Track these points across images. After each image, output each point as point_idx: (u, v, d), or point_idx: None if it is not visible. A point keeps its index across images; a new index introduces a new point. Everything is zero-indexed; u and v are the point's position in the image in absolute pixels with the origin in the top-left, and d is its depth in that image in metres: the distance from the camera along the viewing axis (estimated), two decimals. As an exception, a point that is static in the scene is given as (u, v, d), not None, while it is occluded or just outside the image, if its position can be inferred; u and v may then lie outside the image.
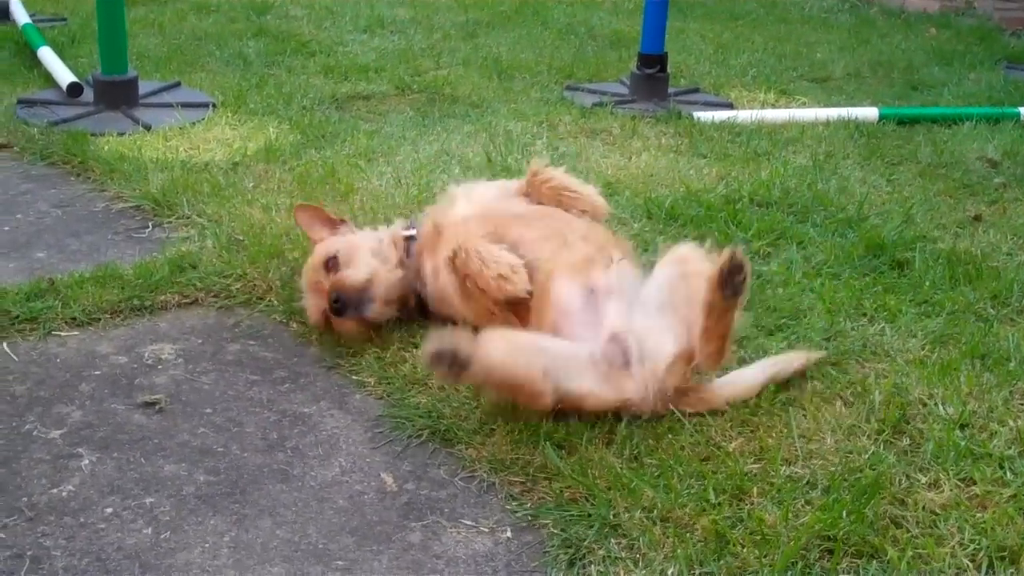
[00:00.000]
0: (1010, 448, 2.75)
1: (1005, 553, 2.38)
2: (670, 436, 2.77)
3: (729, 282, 2.77)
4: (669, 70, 6.32)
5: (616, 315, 2.93)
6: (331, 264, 3.26)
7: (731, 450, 2.73)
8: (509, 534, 2.47)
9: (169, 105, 5.51)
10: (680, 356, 2.86)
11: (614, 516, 2.47)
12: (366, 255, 3.31)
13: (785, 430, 2.82)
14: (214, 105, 5.61)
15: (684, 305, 2.92)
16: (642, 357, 2.85)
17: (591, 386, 2.80)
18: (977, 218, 4.44)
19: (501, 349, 2.70)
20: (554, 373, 2.74)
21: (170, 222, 4.12)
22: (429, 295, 3.29)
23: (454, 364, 2.62)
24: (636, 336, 2.88)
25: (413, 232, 3.41)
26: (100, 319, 3.38)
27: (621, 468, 2.63)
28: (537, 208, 3.38)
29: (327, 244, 3.36)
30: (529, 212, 3.34)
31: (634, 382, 2.83)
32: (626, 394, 2.82)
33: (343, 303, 3.17)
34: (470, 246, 3.02)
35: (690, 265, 3.00)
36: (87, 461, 2.67)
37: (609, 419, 2.82)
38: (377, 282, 3.24)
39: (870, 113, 5.99)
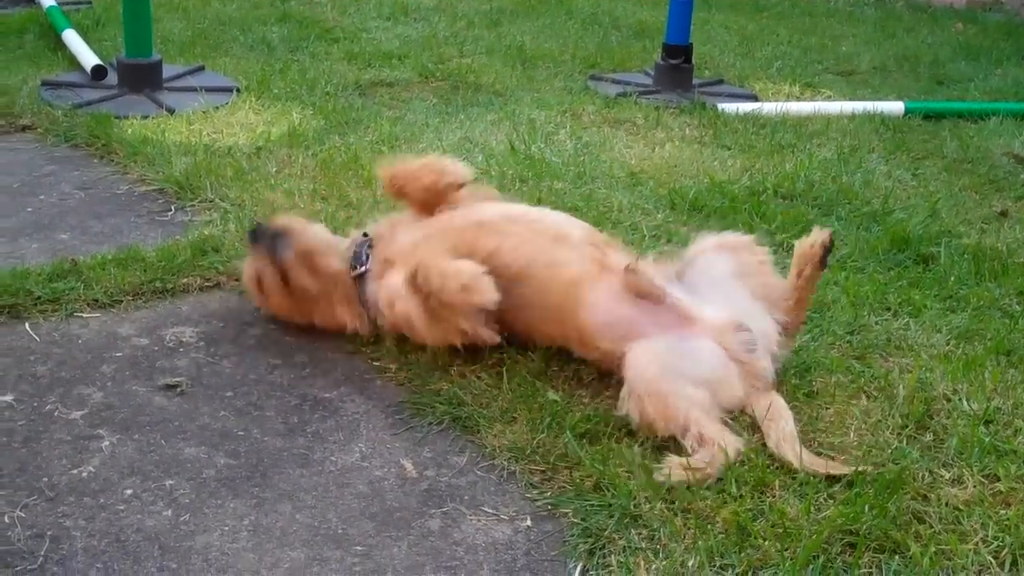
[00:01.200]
0: (1035, 445, 2.73)
1: (1029, 550, 2.36)
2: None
3: (826, 258, 3.00)
4: (694, 61, 6.29)
5: (708, 308, 2.92)
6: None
7: (753, 442, 2.72)
8: (529, 522, 2.46)
9: (193, 89, 5.50)
10: (786, 331, 2.98)
11: (635, 506, 2.46)
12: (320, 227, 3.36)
13: (808, 423, 2.80)
14: (238, 90, 5.61)
15: (760, 287, 3.02)
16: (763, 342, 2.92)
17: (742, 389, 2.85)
18: (1003, 214, 4.41)
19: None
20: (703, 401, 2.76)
21: (193, 205, 4.12)
22: (387, 327, 3.15)
23: None
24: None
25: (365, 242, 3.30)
26: (122, 301, 3.38)
27: (643, 458, 2.62)
28: (488, 211, 3.22)
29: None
30: (488, 218, 3.15)
31: (767, 364, 2.89)
32: (763, 378, 2.88)
33: (260, 231, 3.19)
34: (429, 263, 2.92)
35: (748, 254, 3.08)
36: (108, 443, 2.67)
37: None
38: (304, 235, 3.21)
39: (896, 107, 5.95)
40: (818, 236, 3.01)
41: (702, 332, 2.85)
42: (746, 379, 2.83)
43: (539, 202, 4.14)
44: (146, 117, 5.09)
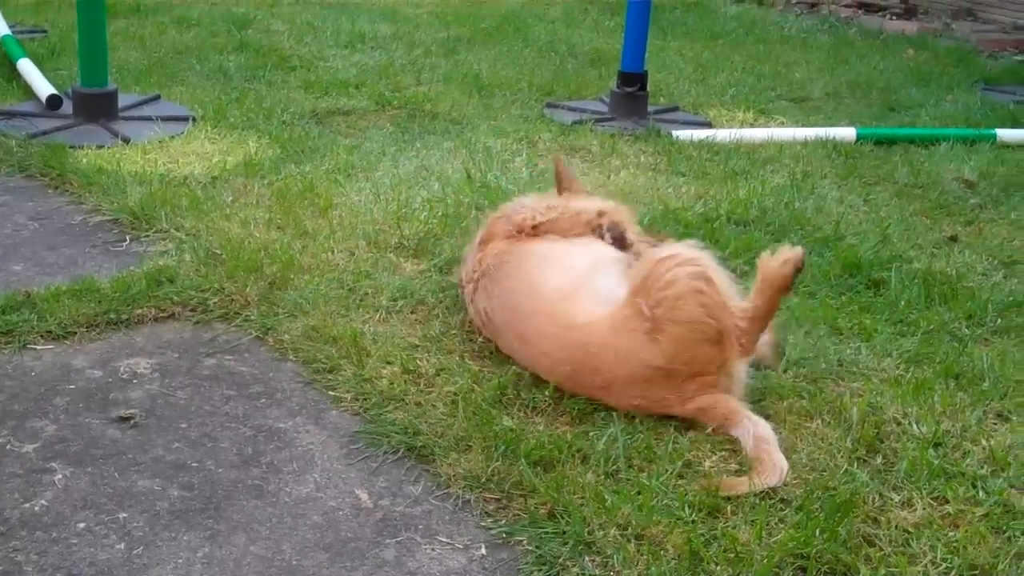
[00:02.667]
0: (983, 467, 2.77)
1: (977, 572, 2.40)
2: (646, 453, 2.78)
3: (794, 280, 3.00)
4: (649, 89, 6.34)
5: None
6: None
7: (707, 468, 2.74)
8: (483, 551, 2.47)
9: (149, 118, 5.49)
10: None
11: (589, 533, 2.47)
12: None
13: (760, 448, 2.83)
14: (194, 119, 5.61)
15: None
16: None
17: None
18: (953, 238, 4.47)
19: None
20: None
21: (148, 236, 4.11)
22: None
23: None
24: None
25: None
26: (76, 333, 3.37)
27: (597, 485, 2.64)
28: None
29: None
30: None
31: None
32: None
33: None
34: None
35: None
36: (60, 476, 2.66)
37: (588, 437, 2.83)
38: None
39: (848, 133, 6.03)
40: (788, 254, 2.96)
41: None
42: None
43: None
44: (101, 147, 5.08)
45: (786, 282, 2.96)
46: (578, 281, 3.14)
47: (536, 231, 3.44)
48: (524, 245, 3.37)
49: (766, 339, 3.15)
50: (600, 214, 3.51)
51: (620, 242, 3.41)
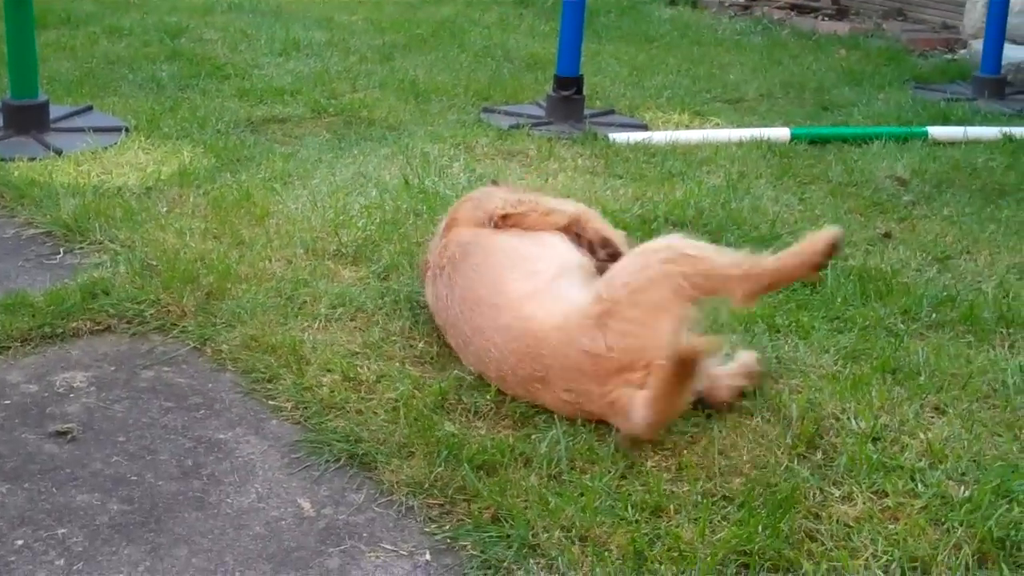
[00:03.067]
0: (921, 460, 2.81)
1: (917, 564, 2.43)
2: (588, 455, 2.78)
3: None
4: (585, 92, 6.37)
5: None
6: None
7: (649, 467, 2.75)
8: (428, 557, 2.47)
9: (81, 129, 5.42)
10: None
11: (533, 536, 2.47)
12: None
13: (702, 447, 2.85)
14: (127, 129, 5.55)
15: None
16: None
17: None
18: (887, 235, 4.52)
19: None
20: None
21: (82, 248, 4.06)
22: None
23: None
24: None
25: None
26: (10, 347, 3.32)
27: (540, 488, 2.64)
28: None
29: None
30: None
31: None
32: None
33: None
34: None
35: None
36: (-4, 492, 2.63)
37: (531, 440, 2.83)
38: None
39: (782, 133, 6.08)
40: (828, 234, 3.05)
41: None
42: None
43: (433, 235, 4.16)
44: (33, 159, 5.01)
45: (816, 258, 3.03)
46: (543, 285, 3.15)
47: (504, 222, 3.45)
48: (492, 238, 3.37)
49: (737, 376, 3.14)
50: (576, 221, 3.53)
51: (613, 258, 3.40)
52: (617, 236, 3.56)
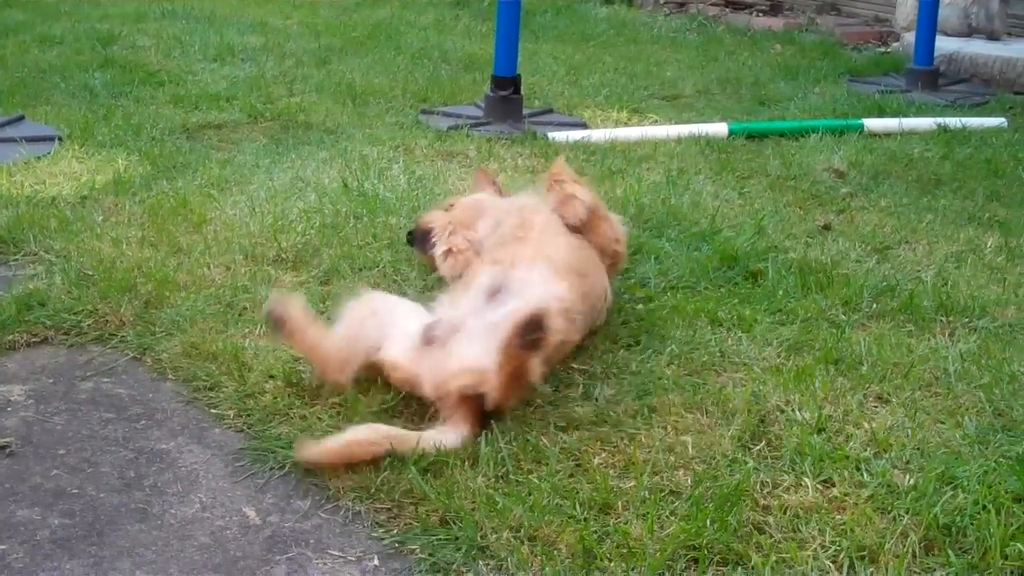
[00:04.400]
0: (866, 450, 2.82)
1: (865, 553, 2.43)
2: (535, 455, 2.77)
3: (525, 336, 2.77)
4: (523, 92, 6.36)
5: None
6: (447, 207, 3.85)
7: (596, 464, 2.75)
8: (376, 562, 2.44)
9: (13, 140, 5.34)
10: (473, 372, 2.86)
11: (482, 537, 2.46)
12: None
13: (647, 442, 2.85)
14: (60, 138, 5.47)
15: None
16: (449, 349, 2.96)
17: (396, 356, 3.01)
18: (826, 227, 4.56)
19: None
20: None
21: (16, 260, 3.99)
22: None
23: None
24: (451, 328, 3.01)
25: None
26: (-56, 362, 3.26)
27: (487, 488, 2.62)
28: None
29: (469, 198, 3.88)
30: None
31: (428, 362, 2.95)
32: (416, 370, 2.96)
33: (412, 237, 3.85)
34: None
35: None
36: (-67, 510, 2.57)
37: (476, 441, 2.82)
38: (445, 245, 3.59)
39: (720, 129, 6.11)
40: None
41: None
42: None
43: (374, 239, 4.14)
44: (-36, 171, 4.93)
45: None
46: None
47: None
48: None
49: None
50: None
51: None
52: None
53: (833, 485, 2.68)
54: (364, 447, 2.71)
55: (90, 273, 3.75)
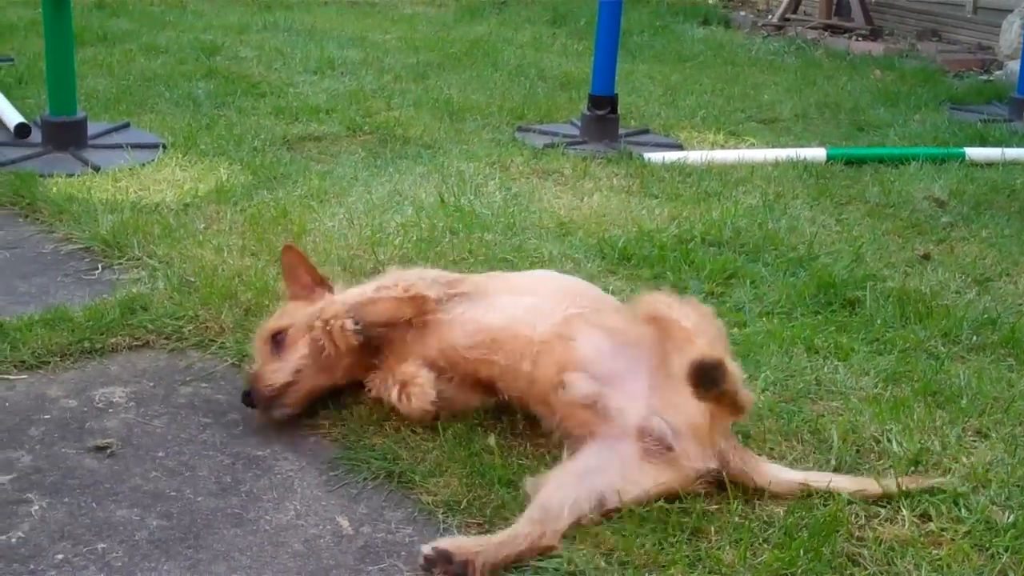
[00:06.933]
0: (964, 485, 2.77)
1: (962, 590, 2.40)
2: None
3: (704, 379, 2.56)
4: (619, 111, 6.37)
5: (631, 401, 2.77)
6: (278, 339, 3.08)
7: (688, 489, 2.73)
8: (467, 577, 2.45)
9: (119, 146, 5.47)
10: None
11: (569, 563, 2.45)
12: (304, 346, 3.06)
13: (741, 469, 2.82)
14: (164, 146, 5.58)
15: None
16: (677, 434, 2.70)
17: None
18: (926, 257, 4.49)
19: None
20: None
21: (120, 264, 4.08)
22: None
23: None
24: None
25: None
26: (50, 362, 3.33)
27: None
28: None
29: (285, 313, 3.17)
30: None
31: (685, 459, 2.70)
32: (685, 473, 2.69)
33: (252, 398, 3.03)
34: None
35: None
36: (37, 507, 2.63)
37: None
38: (297, 388, 3.04)
39: (818, 154, 6.06)
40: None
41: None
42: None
43: (470, 254, 4.16)
44: (71, 175, 5.05)
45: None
46: None
47: None
48: None
49: None
50: None
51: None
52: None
53: (930, 519, 2.64)
54: None
55: (192, 279, 3.82)
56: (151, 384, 3.26)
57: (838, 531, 2.55)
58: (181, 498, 2.71)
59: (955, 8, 11.14)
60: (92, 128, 5.64)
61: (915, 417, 3.10)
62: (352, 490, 2.77)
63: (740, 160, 5.92)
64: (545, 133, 6.39)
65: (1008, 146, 6.52)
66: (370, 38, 9.55)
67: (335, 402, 3.12)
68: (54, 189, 4.82)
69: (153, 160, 5.34)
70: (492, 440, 2.91)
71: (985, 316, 3.85)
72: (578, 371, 2.81)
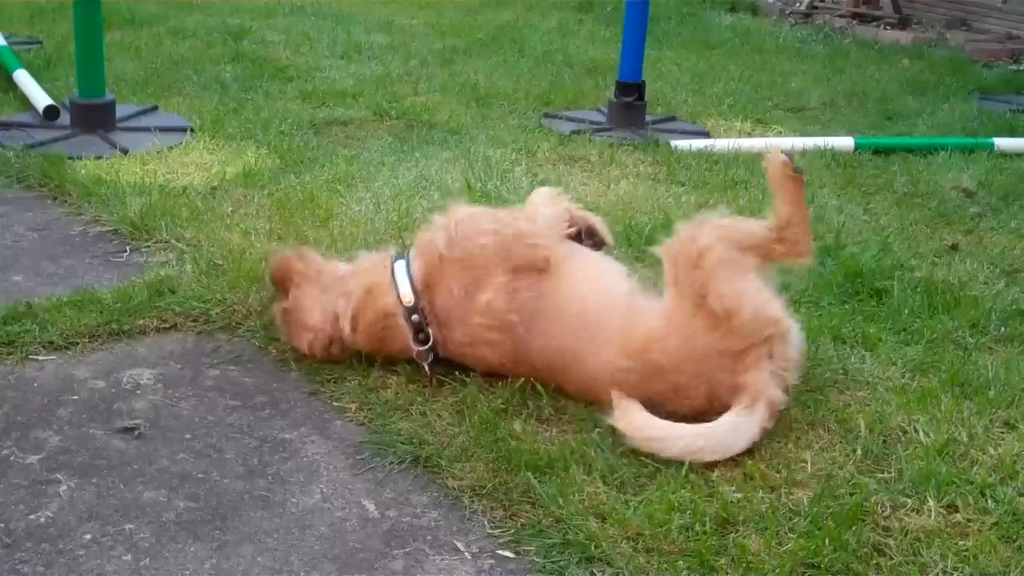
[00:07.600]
0: (991, 476, 2.77)
1: (988, 581, 2.39)
2: (652, 465, 2.76)
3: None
4: (646, 98, 6.35)
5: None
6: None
7: (714, 478, 2.73)
8: (492, 561, 2.46)
9: (147, 129, 5.48)
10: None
11: (595, 547, 2.46)
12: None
13: (766, 458, 2.82)
14: (192, 129, 5.59)
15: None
16: None
17: None
18: (954, 247, 4.47)
19: None
20: None
21: (148, 246, 4.09)
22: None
23: None
24: None
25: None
26: (78, 343, 3.35)
27: (603, 496, 2.62)
28: None
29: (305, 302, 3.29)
30: None
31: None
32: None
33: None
34: None
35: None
36: (65, 487, 2.65)
37: (589, 448, 2.82)
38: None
39: (846, 143, 6.03)
40: (776, 156, 3.23)
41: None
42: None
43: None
44: (100, 157, 5.07)
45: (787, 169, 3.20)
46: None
47: None
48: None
49: None
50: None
51: (598, 247, 3.45)
52: (600, 224, 3.51)
53: (957, 510, 2.63)
54: None
55: (219, 263, 3.83)
56: (179, 366, 3.28)
57: (864, 521, 2.55)
58: (208, 480, 2.72)
59: (985, -3, 11.06)
60: (120, 111, 5.66)
61: (942, 408, 3.09)
62: (378, 474, 2.78)
63: (767, 148, 5.87)
64: (572, 119, 6.37)
65: (1038, 137, 6.47)
66: (397, 23, 9.54)
67: (362, 385, 3.13)
68: (82, 171, 4.84)
69: (181, 143, 5.36)
70: (518, 425, 2.92)
71: (1013, 307, 3.83)
72: None
